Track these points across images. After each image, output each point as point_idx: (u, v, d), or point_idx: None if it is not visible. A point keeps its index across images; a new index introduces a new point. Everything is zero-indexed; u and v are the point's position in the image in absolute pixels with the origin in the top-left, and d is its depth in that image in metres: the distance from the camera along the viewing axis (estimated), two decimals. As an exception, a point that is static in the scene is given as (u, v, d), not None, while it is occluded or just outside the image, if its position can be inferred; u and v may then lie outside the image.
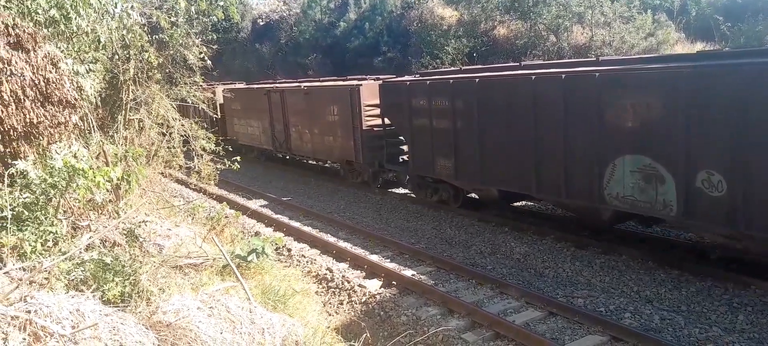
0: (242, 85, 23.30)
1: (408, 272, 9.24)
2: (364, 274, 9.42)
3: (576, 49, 21.56)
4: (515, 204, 12.31)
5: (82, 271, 5.01)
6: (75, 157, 5.76)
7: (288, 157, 19.39)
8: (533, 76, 9.67)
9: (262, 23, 36.77)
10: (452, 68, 13.52)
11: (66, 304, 3.99)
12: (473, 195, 12.48)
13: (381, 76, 16.26)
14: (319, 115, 16.21)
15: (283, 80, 22.45)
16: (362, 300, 8.55)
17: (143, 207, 8.01)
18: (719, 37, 20.34)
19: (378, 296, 8.52)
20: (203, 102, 11.73)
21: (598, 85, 8.61)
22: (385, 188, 15.21)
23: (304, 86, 17.34)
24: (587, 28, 22.18)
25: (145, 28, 9.59)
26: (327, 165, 18.58)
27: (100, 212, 6.48)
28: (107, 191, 6.32)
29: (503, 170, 10.54)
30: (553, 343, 6.71)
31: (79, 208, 6.02)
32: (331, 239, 11.22)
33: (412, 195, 14.00)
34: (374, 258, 9.98)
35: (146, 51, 9.47)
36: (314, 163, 19.24)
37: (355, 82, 15.23)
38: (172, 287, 5.62)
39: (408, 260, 9.95)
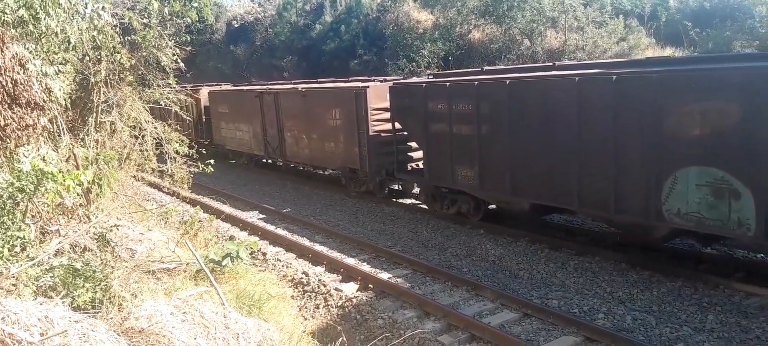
0: (230, 87, 22.04)
1: (384, 275, 9.24)
2: (340, 277, 9.39)
3: (550, 54, 21.83)
4: (546, 218, 11.37)
5: (51, 277, 4.90)
6: (44, 160, 5.64)
7: (281, 164, 18.31)
8: (577, 78, 8.65)
9: (236, 25, 36.46)
10: (472, 69, 12.48)
11: (34, 311, 3.89)
12: (493, 207, 11.59)
13: (387, 78, 15.31)
14: (319, 119, 15.03)
15: (277, 82, 21.24)
16: (338, 304, 8.52)
17: (115, 211, 7.87)
18: (688, 43, 20.80)
19: (354, 300, 8.50)
20: (176, 104, 11.56)
21: (657, 88, 7.67)
22: (390, 198, 14.34)
23: (302, 88, 16.12)
24: (561, 32, 22.48)
25: (117, 29, 9.44)
26: (326, 172, 17.23)
27: (70, 216, 6.35)
28: (77, 194, 6.19)
29: (537, 181, 9.52)
30: (528, 344, 6.77)
31: (48, 212, 5.89)
32: (307, 243, 11.16)
33: (423, 206, 13.10)
34: (351, 261, 9.96)
35: (118, 52, 9.30)
36: (308, 170, 18.03)
37: (360, 84, 14.12)
38: (144, 292, 5.52)
39: (384, 263, 9.95)
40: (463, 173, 10.92)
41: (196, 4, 10.85)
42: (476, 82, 10.28)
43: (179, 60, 10.47)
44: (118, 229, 6.76)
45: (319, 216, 13.42)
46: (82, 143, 8.91)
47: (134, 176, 10.60)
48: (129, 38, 10.03)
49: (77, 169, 6.84)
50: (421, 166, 12.81)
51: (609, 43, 21.07)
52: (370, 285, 8.91)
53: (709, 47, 19.39)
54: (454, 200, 11.83)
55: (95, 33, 8.70)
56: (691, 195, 7.50)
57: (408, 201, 14.07)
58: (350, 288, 8.91)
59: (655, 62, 8.67)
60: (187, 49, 11.56)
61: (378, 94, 13.40)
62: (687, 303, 7.73)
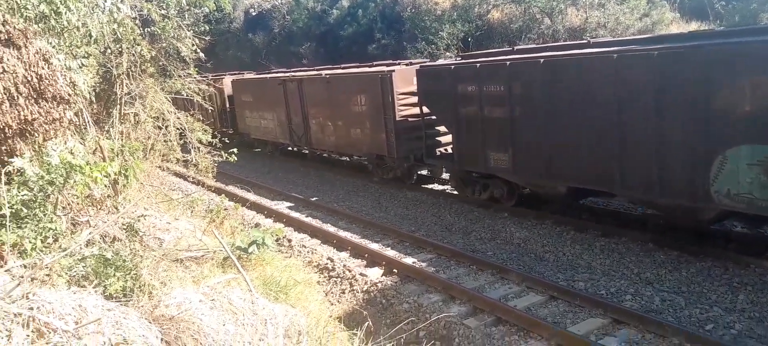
0: (253, 75, 21.81)
1: (409, 260, 9.26)
2: (365, 263, 9.43)
3: (571, 32, 21.47)
4: (584, 201, 10.98)
5: (83, 267, 4.98)
6: (71, 153, 5.72)
7: (307, 152, 17.96)
8: (615, 55, 8.31)
9: (254, 13, 36.50)
10: (503, 49, 12.06)
11: (68, 300, 3.97)
12: (528, 191, 11.23)
13: (414, 61, 14.90)
14: (344, 105, 14.72)
15: (300, 69, 20.68)
16: (364, 289, 8.56)
17: (142, 201, 7.98)
18: (714, 16, 20.29)
19: (379, 285, 8.53)
20: (198, 93, 11.63)
21: (703, 63, 7.31)
22: (418, 184, 14.16)
23: (326, 74, 15.73)
24: (582, 10, 22.09)
25: (137, 22, 9.50)
26: (353, 159, 16.79)
27: (98, 207, 6.45)
28: (105, 186, 6.28)
29: (575, 164, 9.22)
30: (555, 327, 6.73)
31: (78, 204, 5.98)
32: (332, 229, 11.21)
33: (450, 191, 12.95)
34: (375, 246, 9.99)
35: (138, 44, 9.38)
36: (334, 157, 17.82)
37: (385, 69, 13.79)
38: (173, 280, 5.61)
39: (408, 247, 9.96)
40: (495, 157, 10.58)
41: (213, -7, 10.87)
42: (508, 63, 9.93)
43: (198, 50, 10.52)
44: (145, 219, 6.85)
45: (343, 202, 13.46)
46: (107, 135, 9.03)
47: (159, 166, 10.74)
48: (149, 30, 10.10)
49: (104, 160, 6.94)
50: (449, 150, 12.58)
51: (631, 20, 20.66)
52: (394, 270, 8.93)
53: (736, 20, 18.88)
54: (486, 185, 11.58)
55: (115, 26, 8.77)
56: (743, 175, 7.15)
57: (438, 187, 13.82)
58: (375, 273, 8.94)
59: (699, 36, 8.36)
60: (206, 38, 11.61)
61: (404, 78, 13.13)
62: (717, 283, 7.60)
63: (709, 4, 20.18)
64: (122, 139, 9.30)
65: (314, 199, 13.81)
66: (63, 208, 5.61)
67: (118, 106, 9.71)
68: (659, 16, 20.66)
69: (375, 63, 16.72)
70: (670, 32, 18.88)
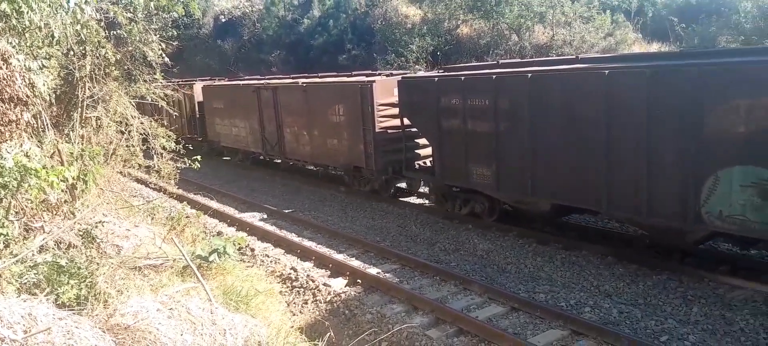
0: (225, 82, 21.37)
1: (373, 270, 9.25)
2: (329, 273, 9.39)
3: (537, 49, 21.92)
4: (565, 219, 10.86)
5: (35, 274, 4.85)
6: (27, 156, 5.57)
7: (280, 161, 17.50)
8: (607, 71, 8.16)
9: (224, 20, 36.24)
10: (486, 63, 11.90)
11: (17, 308, 3.86)
12: (509, 207, 11.01)
13: (394, 72, 14.56)
14: (321, 115, 14.40)
15: (274, 76, 20.29)
16: (327, 299, 8.52)
17: (101, 207, 7.81)
18: (674, 38, 20.97)
19: (343, 295, 8.50)
20: (164, 99, 11.47)
21: (697, 82, 7.22)
22: (395, 197, 13.81)
23: (303, 82, 15.41)
24: (548, 27, 22.59)
25: (102, 24, 9.33)
26: (328, 169, 16.12)
27: (54, 212, 6.29)
28: (62, 191, 6.13)
29: (561, 181, 9.07)
30: (516, 338, 6.81)
31: (32, 209, 5.83)
32: (296, 238, 11.14)
33: (432, 206, 12.58)
34: (339, 257, 9.96)
35: (103, 47, 9.21)
36: (306, 167, 17.42)
37: (365, 79, 13.59)
38: (130, 289, 5.48)
39: (373, 258, 9.96)
40: (478, 172, 10.40)
41: (182, -1, 10.76)
42: (494, 76, 9.74)
43: (164, 55, 10.37)
44: (103, 225, 6.70)
45: (309, 212, 13.39)
46: (67, 139, 8.83)
47: (120, 172, 10.53)
48: (114, 33, 9.92)
49: (62, 165, 6.77)
50: (428, 163, 12.45)
51: (596, 39, 21.22)
52: (358, 280, 8.91)
53: (696, 43, 19.55)
54: (467, 200, 11.38)
55: (79, 27, 8.60)
56: (735, 196, 7.07)
57: (417, 200, 13.69)
58: (339, 283, 8.91)
59: (691, 55, 8.41)
60: (174, 43, 11.47)
61: (384, 89, 12.89)
62: (672, 296, 7.81)
63: (670, 26, 20.86)
64: (82, 144, 9.10)
65: (279, 208, 13.70)
66: (16, 213, 5.46)
67: (80, 109, 9.50)
68: (622, 36, 21.28)
69: (354, 73, 16.52)
70: (633, 51, 19.43)
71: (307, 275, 9.21)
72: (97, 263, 5.57)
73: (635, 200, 8.12)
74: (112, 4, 9.93)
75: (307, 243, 10.79)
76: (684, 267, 8.51)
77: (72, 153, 7.73)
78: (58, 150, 7.39)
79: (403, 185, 14.21)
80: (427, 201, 13.51)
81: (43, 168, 5.28)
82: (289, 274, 9.41)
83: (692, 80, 7.29)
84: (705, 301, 7.58)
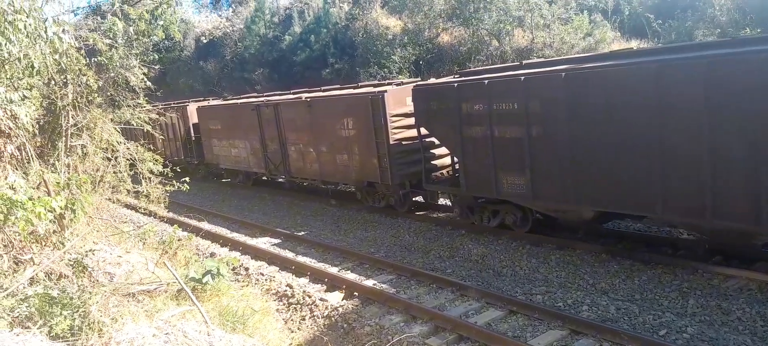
0: (221, 101, 20.53)
1: (369, 282, 9.21)
2: (325, 287, 9.33)
3: (518, 53, 22.07)
4: (607, 225, 10.27)
5: (26, 307, 4.76)
6: (12, 188, 5.49)
7: (284, 181, 16.84)
8: (656, 65, 7.58)
9: (205, 41, 36.18)
10: (508, 64, 10.96)
11: (10, 342, 3.78)
12: (539, 216, 10.32)
13: (405, 81, 13.88)
14: (328, 130, 13.75)
15: (274, 93, 19.32)
16: (325, 314, 8.45)
17: (90, 235, 7.70)
18: (651, 34, 21.22)
19: (340, 309, 8.44)
20: (148, 123, 11.36)
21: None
22: (413, 211, 13.12)
23: (307, 97, 14.77)
24: (528, 31, 22.76)
25: (82, 52, 9.25)
26: (337, 187, 15.70)
27: (43, 243, 6.19)
28: (50, 221, 6.04)
29: (606, 186, 8.38)
30: (516, 341, 6.79)
31: (21, 241, 5.73)
32: (290, 255, 11.07)
33: (456, 219, 11.75)
34: (334, 270, 9.91)
35: (85, 74, 9.13)
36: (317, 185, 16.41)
37: (375, 89, 13.00)
38: (125, 316, 5.40)
39: (368, 269, 9.92)
40: (508, 181, 9.68)
41: (162, 23, 10.71)
42: (523, 78, 9.09)
43: (146, 79, 10.29)
44: (94, 253, 6.61)
45: (300, 227, 13.32)
46: (52, 169, 8.70)
47: (109, 199, 10.40)
48: (95, 60, 9.84)
49: (48, 195, 6.68)
50: (445, 174, 12.06)
51: (576, 39, 21.39)
52: (355, 293, 8.86)
53: (673, 38, 19.80)
54: (496, 212, 10.71)
55: (57, 56, 8.52)
56: None
57: (441, 214, 12.91)
58: (335, 297, 8.85)
59: (753, 41, 7.76)
60: (156, 67, 11.40)
61: (397, 99, 12.32)
62: (668, 289, 7.84)
63: (647, 23, 21.12)
64: (69, 172, 8.98)
65: (271, 225, 13.62)
66: (4, 246, 5.37)
67: (64, 138, 9.38)
68: (601, 35, 21.47)
69: (360, 84, 15.85)
70: (614, 49, 19.62)
71: (303, 291, 9.15)
72: (90, 292, 5.48)
73: (696, 201, 7.46)
74: (91, 31, 9.86)
75: (301, 259, 10.73)
76: (677, 260, 8.56)
77: (58, 183, 7.62)
78: (44, 180, 7.29)
79: (419, 198, 13.53)
80: (440, 214, 12.93)
81: (30, 199, 5.21)
82: (285, 291, 9.34)
83: (763, 68, 6.66)
84: (700, 292, 7.63)
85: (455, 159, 11.33)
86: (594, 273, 8.64)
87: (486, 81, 9.68)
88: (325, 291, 9.16)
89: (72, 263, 5.96)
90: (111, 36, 9.87)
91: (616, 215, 9.23)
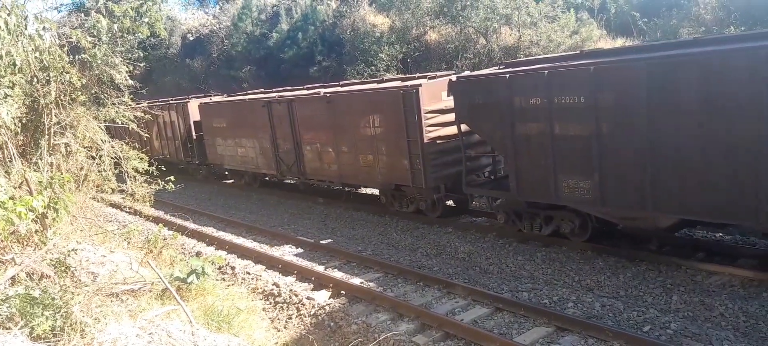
0: (227, 98, 19.27)
1: (356, 280, 9.20)
2: (312, 286, 9.30)
3: (505, 51, 22.13)
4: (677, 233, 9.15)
5: (7, 307, 4.70)
6: (-7, 187, 5.42)
7: (298, 182, 15.85)
8: (761, 50, 6.57)
9: (192, 38, 35.90)
10: (569, 53, 9.81)
11: (-10, 344, 3.73)
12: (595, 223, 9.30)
13: (438, 74, 12.49)
14: (350, 128, 12.69)
15: (286, 88, 17.17)
16: (311, 313, 8.44)
17: (74, 235, 7.62)
18: (637, 32, 21.38)
19: (327, 307, 8.43)
20: (133, 121, 11.25)
21: None
22: (446, 217, 11.92)
23: (326, 93, 13.63)
24: (515, 29, 22.83)
25: (65, 49, 9.14)
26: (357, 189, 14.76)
27: (25, 243, 6.11)
28: (32, 221, 5.96)
29: (693, 191, 7.37)
30: (502, 338, 6.82)
31: (1, 241, 5.66)
32: (277, 253, 11.03)
33: (501, 226, 10.59)
34: (321, 269, 9.89)
35: (68, 72, 9.02)
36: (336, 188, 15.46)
37: (407, 83, 11.88)
38: (108, 316, 5.35)
39: (356, 268, 9.91)
40: (570, 185, 8.67)
41: (147, 20, 10.60)
42: (592, 68, 8.05)
43: (130, 77, 10.19)
44: (77, 253, 6.54)
45: (287, 225, 13.28)
46: (35, 167, 8.60)
47: (93, 198, 10.30)
48: (79, 57, 9.73)
49: (30, 194, 6.60)
50: (486, 175, 11.25)
51: (562, 37, 21.48)
52: (342, 291, 8.84)
53: (658, 36, 19.95)
54: (550, 218, 9.72)
55: (38, 54, 8.41)
56: None
57: (479, 219, 11.91)
58: (322, 296, 8.83)
59: None
60: (141, 65, 11.30)
61: (432, 93, 11.24)
62: (652, 286, 7.91)
63: (633, 21, 21.26)
64: (52, 171, 8.88)
65: (258, 224, 13.56)
66: (-16, 246, 5.30)
67: (47, 136, 9.27)
68: (588, 33, 21.57)
69: (385, 79, 14.65)
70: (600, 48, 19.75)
71: (290, 290, 9.12)
72: (72, 292, 5.41)
73: None
74: (75, 28, 9.75)
75: (288, 257, 10.69)
76: (662, 257, 8.63)
77: (41, 182, 7.53)
78: (26, 179, 7.20)
79: (451, 202, 12.41)
80: (476, 219, 11.96)
81: (11, 199, 5.14)
82: (272, 290, 9.31)
83: None
84: (684, 288, 7.70)
85: (501, 159, 10.52)
86: (579, 270, 8.69)
87: (546, 72, 8.60)
88: (312, 290, 9.14)
89: (54, 262, 5.89)
90: (95, 33, 9.77)
91: (696, 222, 8.34)
